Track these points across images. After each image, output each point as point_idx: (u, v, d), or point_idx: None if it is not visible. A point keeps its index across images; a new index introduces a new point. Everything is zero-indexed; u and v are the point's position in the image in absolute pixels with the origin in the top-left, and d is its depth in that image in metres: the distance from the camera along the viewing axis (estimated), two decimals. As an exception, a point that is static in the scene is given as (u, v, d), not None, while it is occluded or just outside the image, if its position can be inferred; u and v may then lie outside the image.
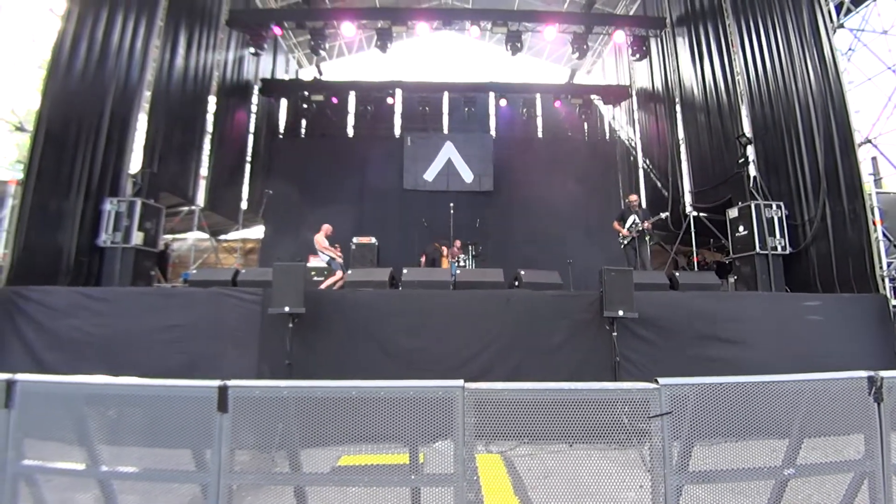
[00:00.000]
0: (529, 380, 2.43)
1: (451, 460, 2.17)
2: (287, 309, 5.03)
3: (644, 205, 13.30)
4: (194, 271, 8.60)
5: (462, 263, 10.02)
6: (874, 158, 8.13)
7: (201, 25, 10.38)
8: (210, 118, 11.14)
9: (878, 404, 2.24)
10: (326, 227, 8.29)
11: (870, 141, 6.74)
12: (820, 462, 2.40)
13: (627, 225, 8.14)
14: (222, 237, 13.44)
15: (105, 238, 7.28)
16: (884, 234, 6.47)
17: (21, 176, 6.48)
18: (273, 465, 2.78)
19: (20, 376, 2.45)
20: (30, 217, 6.37)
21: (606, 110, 15.46)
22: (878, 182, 8.18)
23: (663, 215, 8.33)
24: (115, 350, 5.28)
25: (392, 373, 5.10)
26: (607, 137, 15.35)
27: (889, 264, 6.31)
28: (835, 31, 7.04)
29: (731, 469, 2.28)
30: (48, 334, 5.40)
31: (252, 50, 12.08)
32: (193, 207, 10.55)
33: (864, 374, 2.27)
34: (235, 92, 12.40)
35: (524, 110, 14.78)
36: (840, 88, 6.82)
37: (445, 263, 9.85)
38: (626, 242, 8.16)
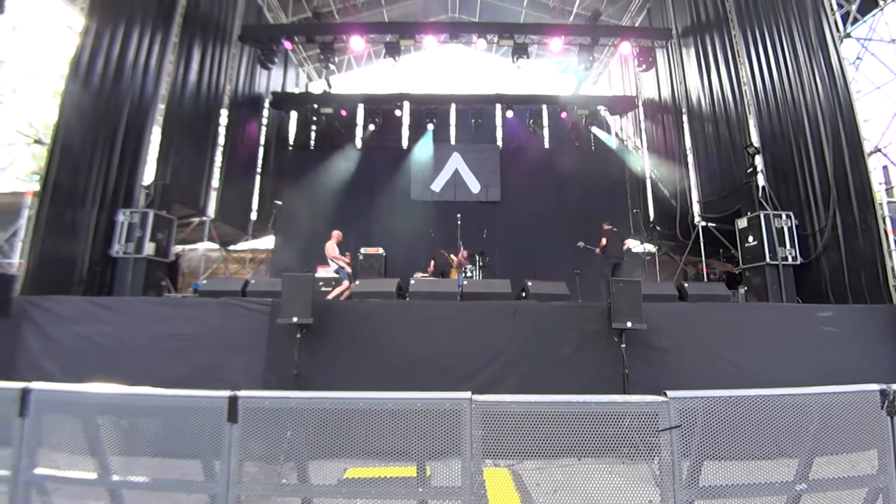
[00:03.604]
0: (538, 392, 2.42)
1: (459, 473, 2.17)
2: (295, 319, 5.06)
3: (652, 215, 13.33)
4: (204, 282, 8.69)
5: (469, 274, 10.03)
6: (885, 167, 8.05)
7: (214, 41, 10.62)
8: (222, 131, 11.35)
9: (892, 418, 2.21)
10: (336, 234, 8.29)
11: (880, 150, 6.68)
12: (833, 477, 2.35)
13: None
14: (232, 248, 13.58)
15: (118, 248, 7.39)
16: (896, 244, 6.39)
17: (37, 187, 6.64)
18: (280, 476, 2.79)
19: (35, 385, 2.49)
20: (45, 228, 6.51)
21: (613, 121, 15.48)
22: (889, 191, 8.10)
23: (580, 244, 9.22)
24: (116, 358, 5.31)
25: (399, 383, 5.08)
26: (614, 148, 15.35)
27: (903, 274, 6.22)
28: (842, 41, 7.03)
29: (742, 484, 2.24)
30: (51, 342, 5.46)
31: (263, 64, 12.31)
32: (204, 218, 10.70)
33: (876, 387, 2.24)
34: (247, 105, 12.63)
35: (531, 121, 14.84)
36: (848, 97, 6.79)
37: (454, 273, 9.86)
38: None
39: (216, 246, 12.06)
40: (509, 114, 14.65)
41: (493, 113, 15.03)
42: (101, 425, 2.50)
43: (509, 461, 3.98)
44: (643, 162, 14.11)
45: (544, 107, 14.99)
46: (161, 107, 8.88)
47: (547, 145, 15.29)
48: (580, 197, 13.50)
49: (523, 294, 6.68)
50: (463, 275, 9.68)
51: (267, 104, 13.88)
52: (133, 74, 8.01)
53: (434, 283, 8.05)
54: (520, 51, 11.95)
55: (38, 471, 2.47)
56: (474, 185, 13.89)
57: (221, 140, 11.34)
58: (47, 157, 6.74)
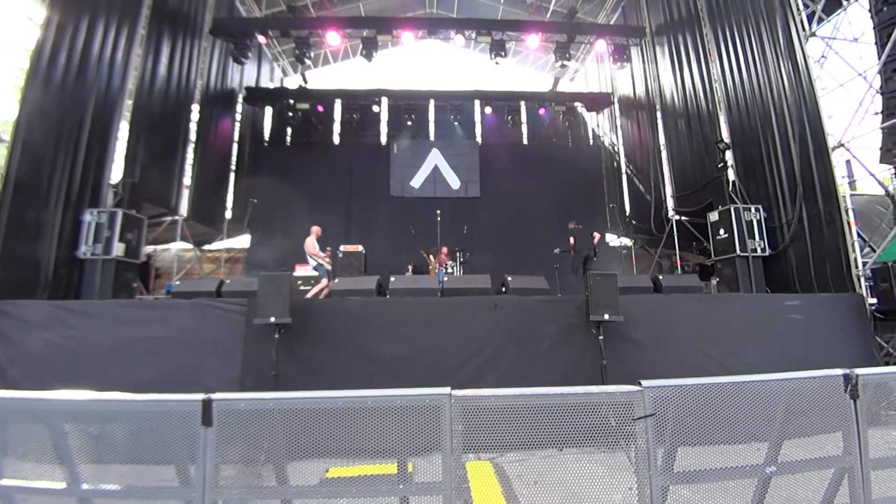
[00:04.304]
0: (520, 385, 2.44)
1: (440, 468, 2.17)
2: (273, 319, 4.97)
3: (628, 210, 13.60)
4: (178, 282, 8.46)
5: (449, 270, 10.04)
6: (848, 162, 8.38)
7: (184, 34, 10.30)
8: (193, 127, 11.03)
9: (854, 401, 2.31)
10: (316, 230, 7.97)
11: (843, 145, 6.94)
12: (801, 459, 2.45)
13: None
14: (206, 247, 13.25)
15: (85, 250, 7.13)
16: (858, 235, 6.67)
17: (-3, 187, 6.34)
18: (259, 479, 2.74)
19: (-3, 393, 2.39)
20: (7, 229, 6.23)
21: (590, 117, 15.70)
22: (852, 184, 8.45)
23: (557, 251, 9.42)
24: (85, 364, 5.14)
25: (381, 382, 5.03)
26: (591, 143, 15.57)
27: (864, 264, 6.51)
28: (807, 40, 7.27)
29: (714, 468, 2.31)
30: (15, 348, 5.25)
31: (236, 58, 12.00)
32: (176, 217, 10.39)
33: (839, 371, 2.33)
34: (219, 100, 12.31)
35: (509, 117, 14.93)
36: (813, 94, 7.04)
37: (433, 272, 9.85)
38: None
39: (190, 245, 11.74)
40: (488, 110, 14.71)
41: (472, 109, 15.06)
42: (69, 433, 2.40)
43: (491, 454, 4.02)
44: (619, 157, 14.36)
45: (522, 103, 15.10)
46: (129, 102, 8.58)
47: (525, 141, 15.42)
48: (558, 192, 13.67)
49: (503, 289, 6.73)
50: (443, 270, 9.69)
51: (240, 99, 13.57)
52: (98, 68, 7.70)
53: (414, 279, 8.01)
54: (497, 47, 11.98)
55: (5, 482, 2.37)
56: (454, 182, 13.91)
57: (193, 136, 11.03)
58: (7, 156, 6.44)
